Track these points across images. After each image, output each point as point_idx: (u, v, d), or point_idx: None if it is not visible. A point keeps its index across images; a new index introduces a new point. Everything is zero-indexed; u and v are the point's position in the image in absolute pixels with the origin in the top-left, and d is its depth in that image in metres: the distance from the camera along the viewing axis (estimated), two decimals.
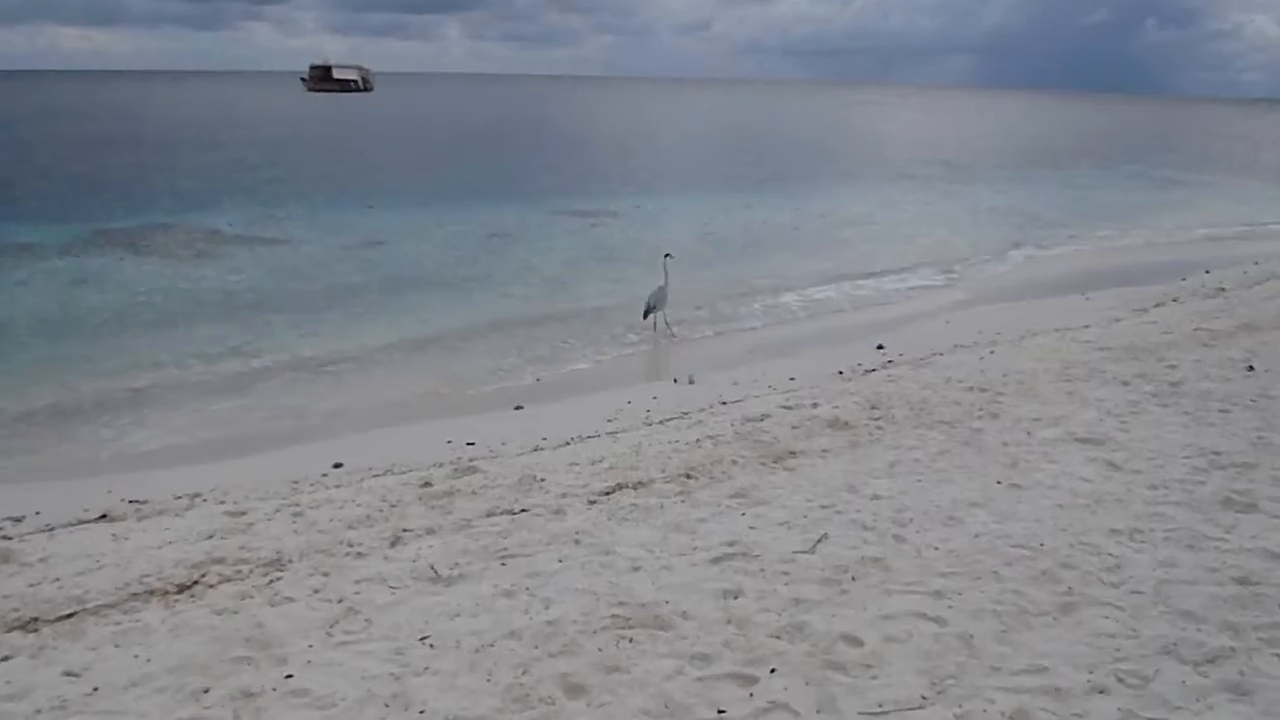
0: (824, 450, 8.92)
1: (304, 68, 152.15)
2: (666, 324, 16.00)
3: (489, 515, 7.74)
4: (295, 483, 9.39)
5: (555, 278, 20.27)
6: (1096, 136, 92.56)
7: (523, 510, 7.79)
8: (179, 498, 9.07)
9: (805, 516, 7.26)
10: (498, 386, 13.18)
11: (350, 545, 7.21)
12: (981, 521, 7.03)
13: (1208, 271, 20.29)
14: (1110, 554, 6.37)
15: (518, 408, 12.12)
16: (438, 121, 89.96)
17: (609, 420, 11.16)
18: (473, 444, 10.50)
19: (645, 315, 15.86)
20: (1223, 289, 17.86)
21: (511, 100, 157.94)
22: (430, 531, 7.44)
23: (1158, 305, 16.37)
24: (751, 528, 7.08)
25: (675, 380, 13.07)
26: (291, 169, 42.14)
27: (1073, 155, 64.02)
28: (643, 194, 35.88)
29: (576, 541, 7.00)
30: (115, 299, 17.96)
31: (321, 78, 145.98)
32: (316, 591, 6.38)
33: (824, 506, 7.45)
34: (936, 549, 6.57)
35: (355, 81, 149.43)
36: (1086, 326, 14.71)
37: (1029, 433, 9.14)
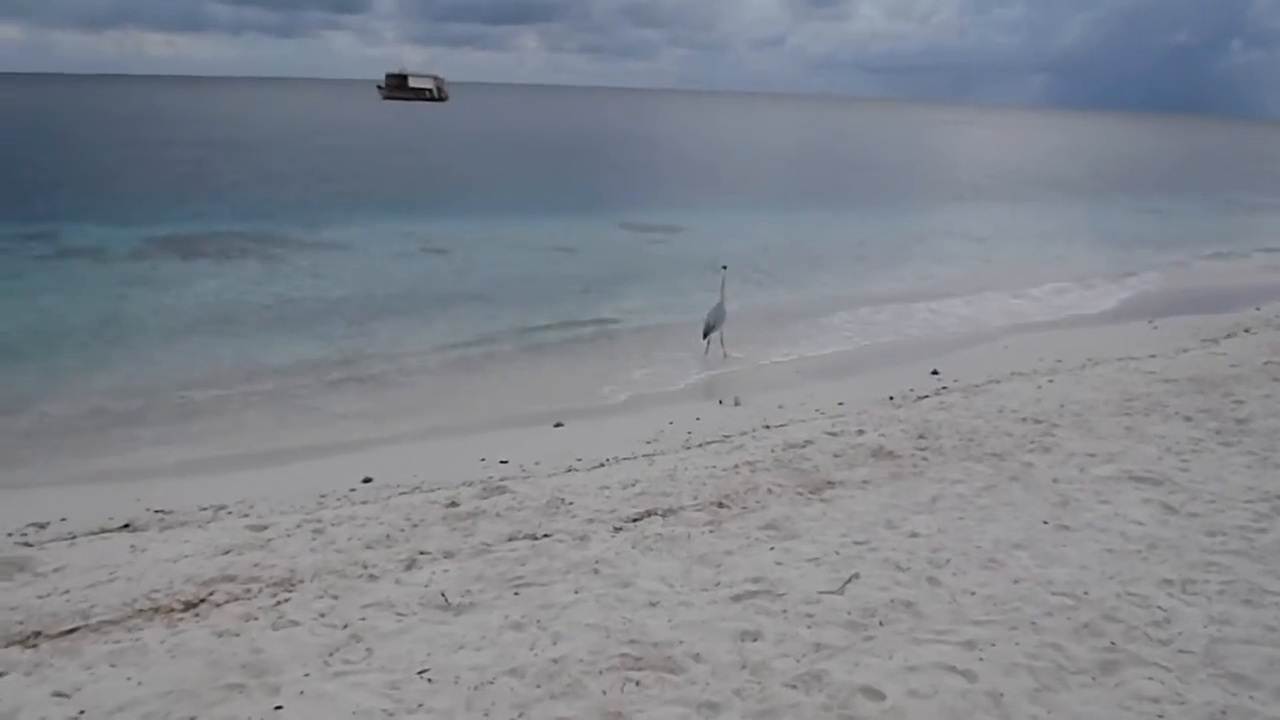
0: (864, 481, 8.56)
1: (381, 76, 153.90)
2: (721, 343, 15.66)
3: (510, 539, 7.50)
4: (322, 497, 9.25)
5: (610, 293, 20.03)
6: (1177, 159, 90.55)
7: (545, 535, 7.55)
8: (204, 509, 8.98)
9: (837, 553, 6.92)
10: (542, 403, 12.91)
11: (365, 566, 7.01)
12: (1023, 565, 6.64)
13: None
14: (1159, 607, 5.96)
15: (557, 425, 11.90)
16: (508, 132, 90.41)
17: (648, 442, 10.90)
18: (506, 462, 10.30)
19: (705, 335, 15.52)
20: None
21: (584, 112, 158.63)
22: (448, 555, 7.21)
23: (1228, 336, 15.75)
24: (779, 563, 6.76)
25: (720, 401, 12.77)
26: (359, 177, 42.56)
27: (1152, 178, 62.73)
28: (708, 209, 35.68)
29: (596, 571, 6.73)
30: (170, 305, 18.05)
31: (397, 86, 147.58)
32: (322, 616, 6.18)
33: (858, 543, 7.11)
34: (973, 594, 6.20)
35: (430, 91, 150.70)
36: (1152, 356, 14.16)
37: (1082, 469, 8.70)
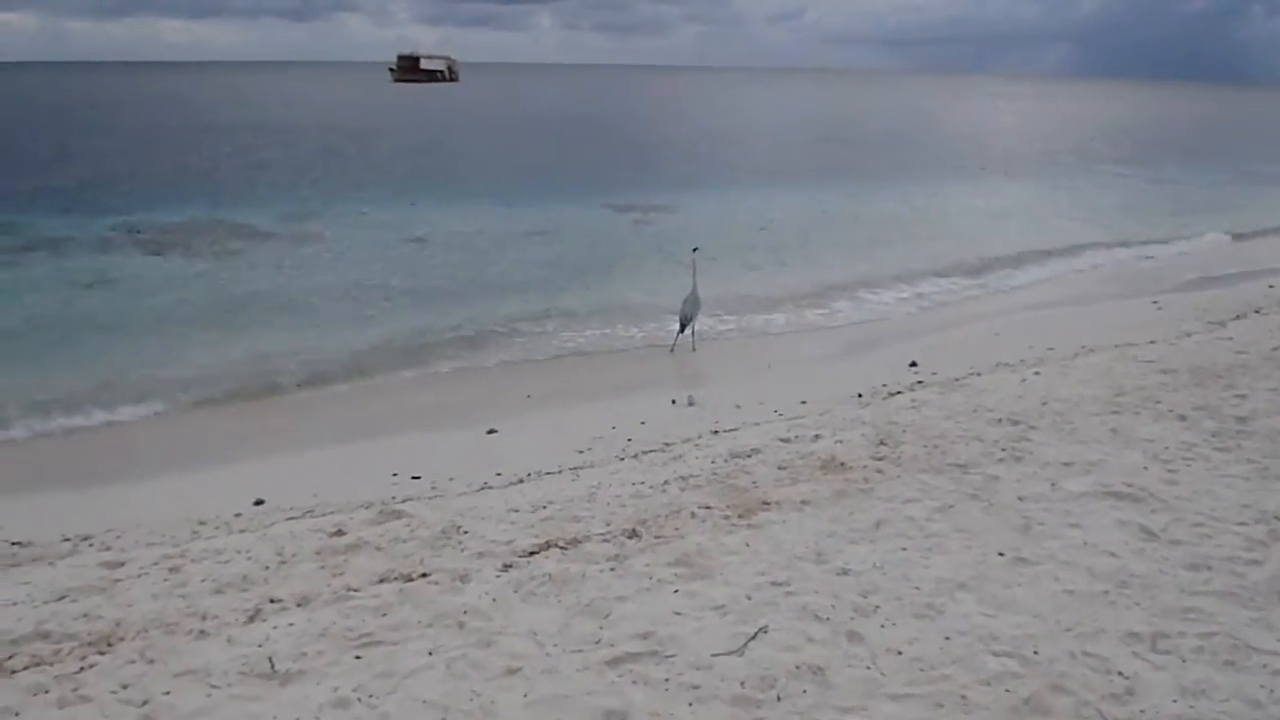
0: (804, 501, 7.48)
1: (394, 58, 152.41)
2: (693, 334, 14.58)
3: (381, 581, 6.48)
4: (200, 524, 8.28)
5: (583, 281, 18.98)
6: (1194, 128, 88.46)
7: (423, 575, 6.53)
8: (67, 539, 8.00)
9: (749, 598, 5.87)
10: (483, 405, 11.91)
11: (203, 618, 6.02)
12: (966, 613, 5.59)
13: None
14: (1121, 673, 4.90)
15: (491, 431, 10.87)
16: (516, 112, 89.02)
17: (581, 451, 9.88)
18: (418, 478, 9.32)
19: (681, 328, 14.43)
20: None
21: (596, 90, 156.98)
22: (302, 603, 6.20)
23: (1237, 318, 14.56)
24: (678, 613, 5.72)
25: (674, 401, 11.72)
26: (351, 162, 41.46)
27: (1171, 148, 61.02)
28: (707, 188, 34.56)
29: (461, 625, 5.71)
30: (120, 300, 17.14)
31: (409, 68, 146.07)
32: (124, 688, 5.19)
33: (776, 584, 6.05)
34: (899, 654, 5.16)
35: (441, 72, 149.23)
36: (1151, 342, 13.01)
37: (1053, 484, 7.60)
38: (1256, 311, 14.99)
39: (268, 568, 6.85)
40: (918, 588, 5.93)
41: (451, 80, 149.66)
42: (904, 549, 6.52)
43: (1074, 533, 6.68)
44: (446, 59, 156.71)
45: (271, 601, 6.25)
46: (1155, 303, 16.60)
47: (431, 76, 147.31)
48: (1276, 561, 6.14)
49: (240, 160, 40.27)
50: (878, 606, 5.70)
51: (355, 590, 6.36)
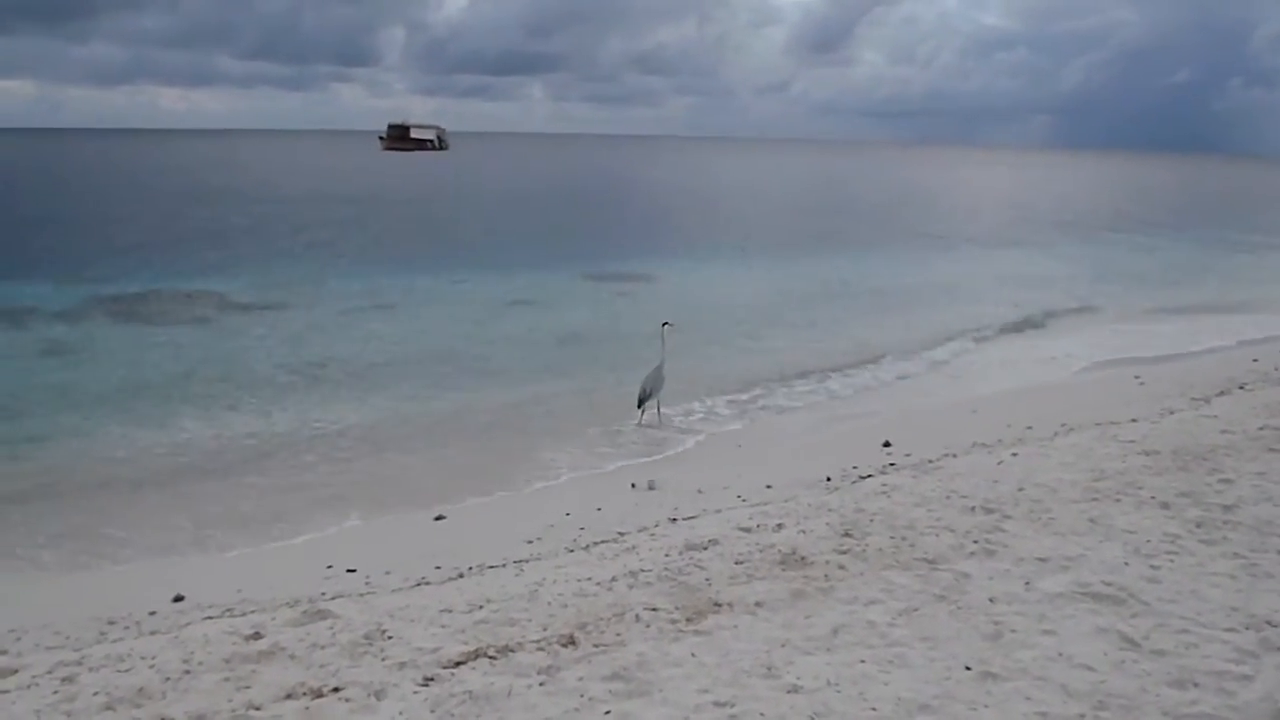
0: (758, 603, 6.91)
1: (386, 127, 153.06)
2: (658, 411, 14.09)
3: (288, 697, 5.87)
4: (110, 624, 7.69)
5: (557, 354, 18.66)
6: (1177, 198, 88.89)
7: (334, 690, 5.92)
8: None
9: None
10: (435, 489, 11.35)
11: None
12: None
13: None
14: None
15: (439, 518, 10.31)
16: (503, 182, 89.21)
17: (530, 541, 9.31)
18: (354, 571, 8.71)
19: (640, 404, 13.98)
20: None
21: (586, 160, 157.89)
22: None
23: (1220, 394, 14.09)
24: None
25: (634, 485, 11.17)
26: (331, 231, 41.14)
27: (1150, 218, 61.07)
28: (688, 259, 34.35)
29: None
30: (71, 370, 16.67)
31: (398, 137, 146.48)
32: None
33: (719, 704, 5.47)
34: None
35: (431, 141, 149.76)
36: (1133, 420, 12.52)
37: (1028, 583, 7.04)
38: (1241, 387, 14.53)
39: (168, 679, 6.24)
40: (875, 709, 5.36)
41: (441, 149, 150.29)
42: (862, 661, 5.95)
43: (1049, 641, 6.12)
44: (436, 128, 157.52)
45: None
46: (1137, 377, 16.16)
47: (421, 145, 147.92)
48: (1268, 677, 5.58)
49: (220, 227, 40.07)
50: None
51: (257, 709, 5.76)
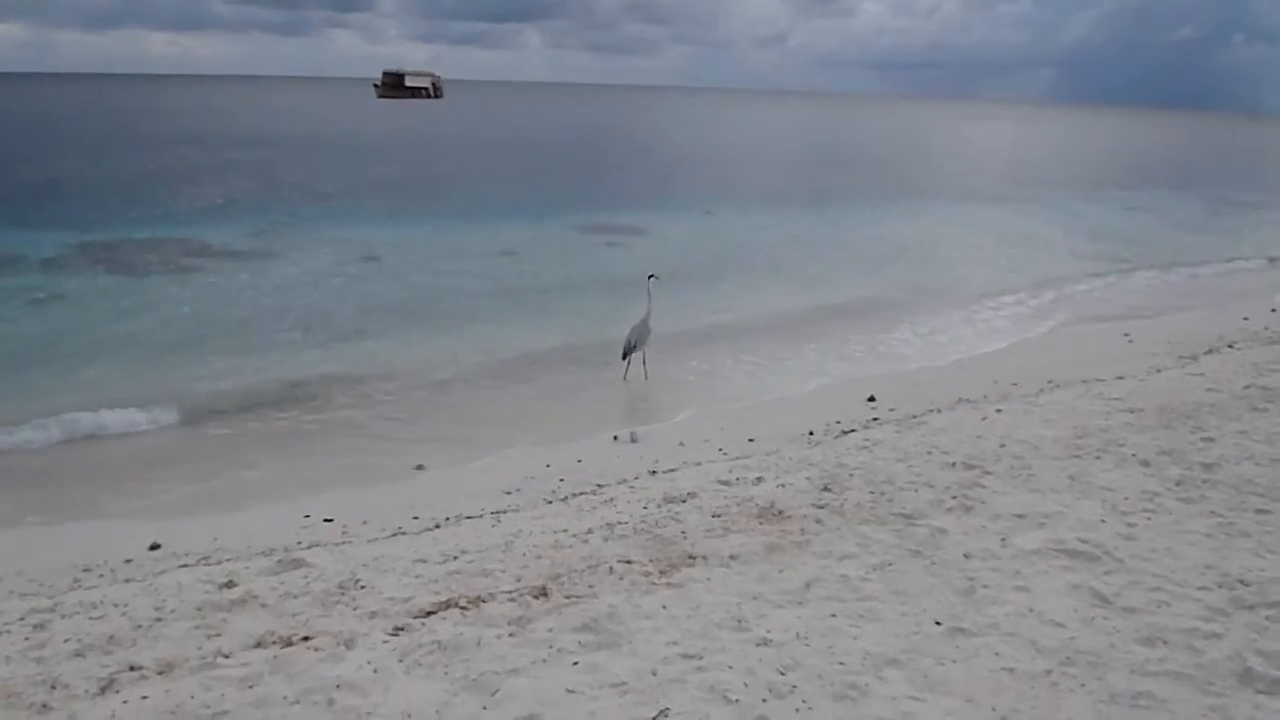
0: (733, 556, 6.89)
1: (381, 74, 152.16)
2: (644, 364, 14.04)
3: (258, 645, 5.87)
4: (85, 571, 7.67)
5: (542, 307, 18.45)
6: (1178, 155, 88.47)
7: (305, 639, 5.90)
8: None
9: (655, 673, 5.27)
10: (417, 444, 11.28)
11: (51, 688, 5.43)
12: (891, 697, 5.00)
13: (1274, 310, 17.75)
14: None
15: (418, 468, 10.26)
16: (498, 130, 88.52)
17: (508, 493, 9.29)
18: (331, 520, 8.69)
19: (624, 355, 13.94)
20: None
21: (582, 109, 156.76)
22: (165, 670, 5.59)
23: (1209, 352, 14.06)
24: (571, 690, 5.12)
25: (615, 437, 11.15)
26: (324, 179, 40.72)
27: (1152, 175, 60.80)
28: (678, 209, 34.06)
29: (330, 702, 5.12)
30: (58, 319, 16.52)
31: (393, 85, 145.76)
32: None
33: (687, 656, 5.45)
34: None
35: (426, 89, 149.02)
36: (1120, 378, 12.50)
37: (1004, 539, 7.03)
38: (1230, 346, 14.51)
39: (139, 626, 6.23)
40: (842, 663, 5.35)
41: (436, 97, 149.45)
42: (833, 615, 5.94)
43: (1021, 598, 6.11)
44: (431, 76, 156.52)
45: (131, 669, 5.62)
46: (1126, 334, 16.11)
47: (415, 93, 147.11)
48: (1237, 635, 5.57)
49: (212, 174, 39.70)
50: (795, 686, 5.11)
51: (226, 656, 5.74)
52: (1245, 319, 16.93)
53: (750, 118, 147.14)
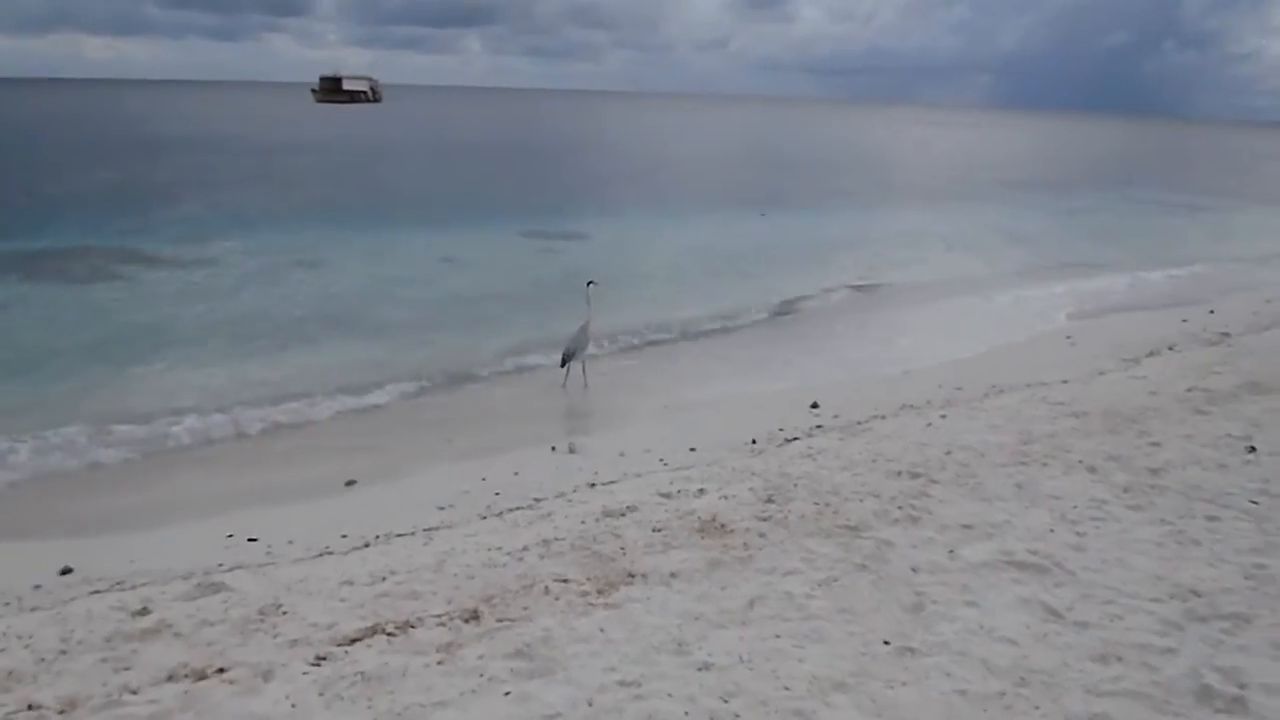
0: (673, 574, 6.63)
1: (319, 79, 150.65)
2: (583, 372, 13.77)
3: (169, 679, 5.51)
4: None
5: (478, 314, 18.03)
6: (1111, 158, 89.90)
7: (219, 671, 5.55)
8: None
9: (590, 703, 5.00)
10: (347, 458, 10.88)
11: None
12: None
13: (1212, 311, 17.85)
14: None
15: (349, 483, 9.90)
16: (437, 135, 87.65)
17: (442, 508, 8.96)
18: (255, 540, 8.30)
19: (563, 363, 13.65)
20: (1227, 334, 15.53)
21: (521, 114, 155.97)
22: (66, 709, 5.25)
23: (1150, 355, 14.06)
24: None
25: (554, 448, 10.84)
26: (260, 183, 39.95)
27: (1085, 177, 61.62)
28: (620, 215, 33.74)
29: None
30: None
31: (331, 89, 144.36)
32: None
33: (625, 684, 5.18)
34: None
35: (364, 93, 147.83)
36: (1064, 381, 12.42)
37: (952, 551, 6.83)
38: (1170, 348, 14.52)
39: (43, 660, 5.85)
40: (787, 688, 5.11)
41: (374, 101, 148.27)
42: (778, 636, 5.70)
43: (971, 613, 5.90)
44: (369, 80, 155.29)
45: (30, 708, 5.24)
46: (1069, 337, 16.11)
47: (354, 97, 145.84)
48: (1192, 650, 5.40)
49: (143, 181, 38.74)
50: (738, 716, 4.85)
51: (134, 692, 5.39)
52: (1184, 321, 17.00)
53: (692, 122, 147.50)
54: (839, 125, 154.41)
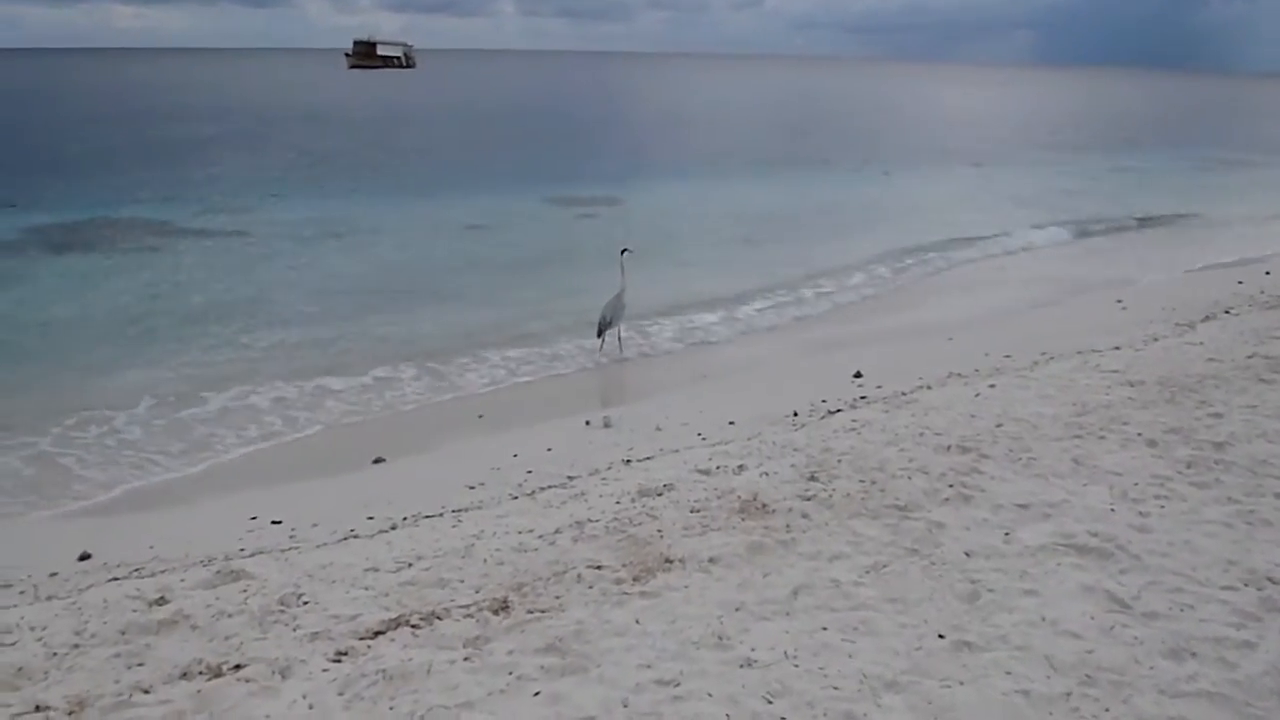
0: (712, 559, 6.28)
1: (352, 44, 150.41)
2: (619, 341, 13.44)
3: (183, 676, 5.25)
4: (5, 587, 7.02)
5: (510, 282, 17.75)
6: (1161, 115, 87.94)
7: (235, 667, 5.29)
8: None
9: (625, 704, 4.69)
10: (380, 424, 10.67)
11: None
12: None
13: (1268, 272, 17.21)
14: None
15: (377, 460, 9.62)
16: (471, 100, 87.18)
17: (472, 487, 8.66)
18: (279, 523, 8.04)
19: (599, 333, 13.34)
20: None
21: (555, 77, 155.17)
22: (74, 710, 5.00)
23: (1206, 319, 13.51)
24: None
25: (588, 422, 10.52)
26: (293, 152, 39.73)
27: (1134, 135, 60.24)
28: (653, 179, 33.29)
29: None
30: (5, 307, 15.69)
31: (364, 54, 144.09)
32: None
33: (662, 682, 4.86)
34: None
35: (398, 58, 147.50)
36: (1116, 348, 11.92)
37: (1007, 534, 6.44)
38: (1226, 312, 13.96)
39: (55, 654, 5.60)
40: (836, 687, 4.76)
41: (408, 67, 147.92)
42: (824, 628, 5.35)
43: (1030, 603, 5.53)
44: (403, 45, 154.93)
45: (37, 709, 4.98)
46: (1119, 300, 15.57)
47: (387, 63, 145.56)
48: (1272, 644, 5.01)
49: (176, 150, 38.71)
50: (783, 718, 4.50)
51: (145, 692, 5.12)
52: (1240, 283, 16.39)
53: (726, 83, 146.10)
54: (878, 84, 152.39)
